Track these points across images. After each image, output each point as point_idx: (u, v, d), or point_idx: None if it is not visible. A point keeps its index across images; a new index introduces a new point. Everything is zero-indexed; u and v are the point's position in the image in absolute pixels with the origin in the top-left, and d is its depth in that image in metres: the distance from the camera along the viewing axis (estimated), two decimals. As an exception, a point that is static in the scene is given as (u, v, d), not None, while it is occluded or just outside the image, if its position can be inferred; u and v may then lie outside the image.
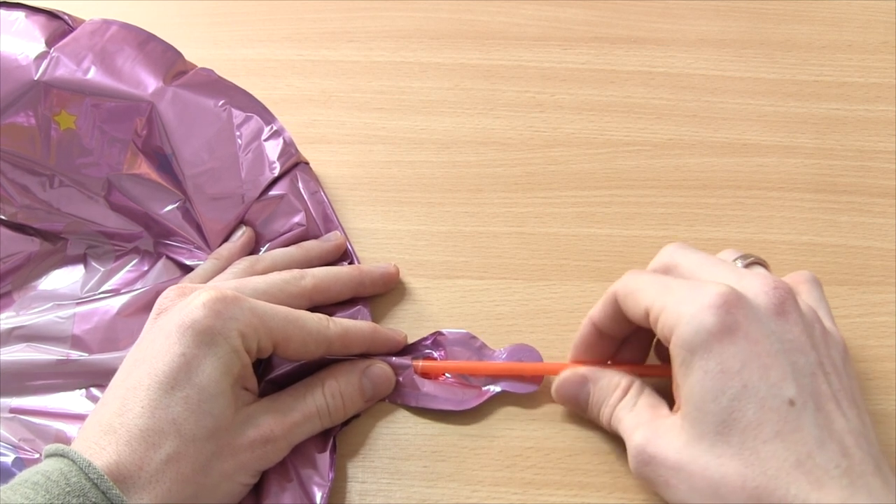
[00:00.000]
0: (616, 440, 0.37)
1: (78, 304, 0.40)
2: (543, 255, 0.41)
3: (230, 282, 0.36)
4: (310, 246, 0.40)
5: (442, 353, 0.38)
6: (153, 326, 0.34)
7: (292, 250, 0.40)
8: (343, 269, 0.39)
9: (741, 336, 0.29)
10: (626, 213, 0.43)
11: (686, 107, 0.46)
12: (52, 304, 0.41)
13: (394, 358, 0.38)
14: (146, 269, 0.42)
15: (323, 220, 0.41)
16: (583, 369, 0.36)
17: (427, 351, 0.39)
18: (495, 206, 0.43)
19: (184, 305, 0.32)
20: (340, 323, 0.36)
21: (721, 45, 0.48)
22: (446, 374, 0.38)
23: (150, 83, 0.40)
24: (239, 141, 0.41)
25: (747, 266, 0.33)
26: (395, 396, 0.37)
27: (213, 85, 0.42)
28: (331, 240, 0.41)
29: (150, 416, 0.30)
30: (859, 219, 0.43)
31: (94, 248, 0.42)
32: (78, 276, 0.41)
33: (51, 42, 0.41)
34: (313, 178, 0.42)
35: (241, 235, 0.40)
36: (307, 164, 0.42)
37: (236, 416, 0.32)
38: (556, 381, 0.36)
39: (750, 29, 0.49)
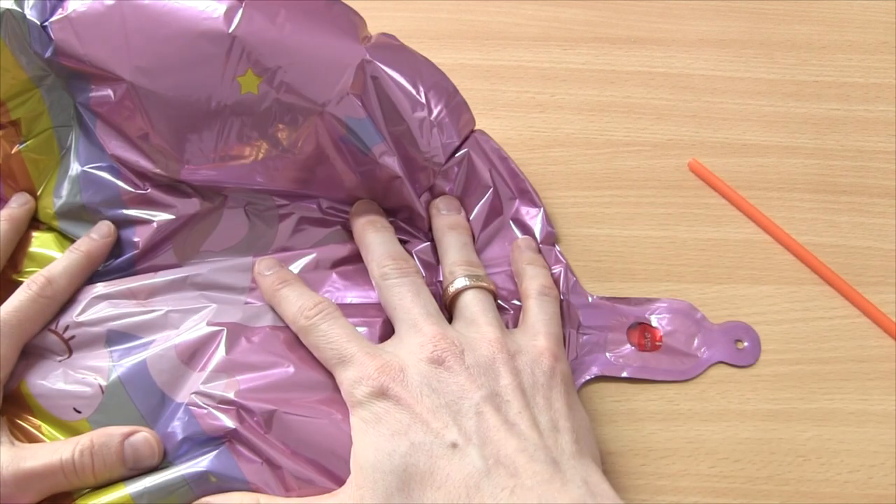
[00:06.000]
0: (616, 440, 0.37)
1: (254, 256, 0.39)
2: (543, 256, 0.41)
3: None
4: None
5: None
6: None
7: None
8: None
9: None
10: (626, 213, 0.43)
11: (686, 107, 0.46)
12: (225, 258, 0.39)
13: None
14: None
15: (511, 178, 0.41)
16: None
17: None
18: (495, 206, 0.43)
19: None
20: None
21: (721, 45, 0.48)
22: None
23: (353, 49, 0.37)
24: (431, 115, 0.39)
25: None
26: (608, 369, 0.38)
27: (402, 58, 0.39)
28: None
29: None
30: (859, 219, 0.43)
31: (254, 204, 0.40)
32: (242, 234, 0.40)
33: None
34: (494, 141, 0.41)
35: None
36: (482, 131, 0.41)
37: None
38: None
39: (750, 29, 0.49)
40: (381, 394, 0.32)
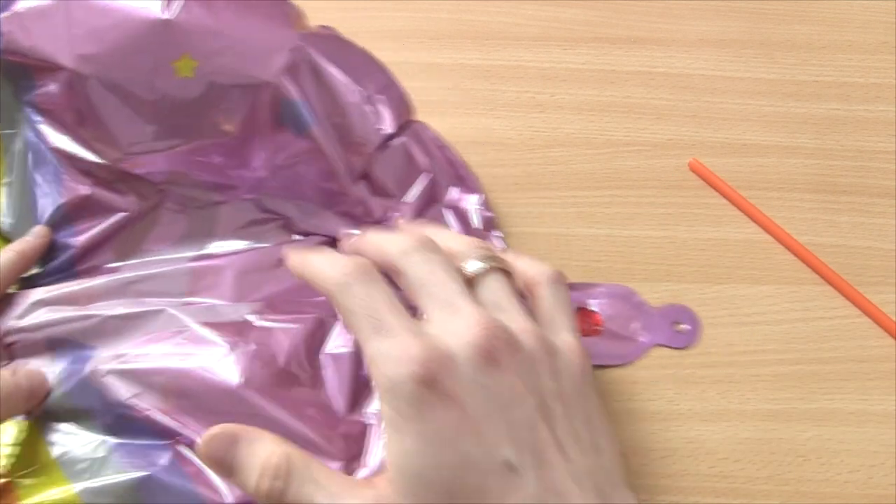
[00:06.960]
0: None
1: (191, 261, 0.39)
2: (543, 256, 0.41)
3: None
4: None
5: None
6: None
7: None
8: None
9: None
10: (626, 213, 0.43)
11: (686, 107, 0.46)
12: (162, 260, 0.39)
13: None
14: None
15: (449, 166, 0.41)
16: None
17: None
18: (495, 206, 0.43)
19: None
20: None
21: (721, 45, 0.48)
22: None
23: (287, 35, 0.38)
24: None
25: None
26: None
27: (337, 47, 0.40)
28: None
29: None
30: (859, 219, 0.43)
31: (193, 200, 0.40)
32: (182, 231, 0.40)
33: None
34: (433, 131, 0.41)
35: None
36: (423, 123, 0.42)
37: None
38: None
39: (750, 29, 0.49)
40: (428, 384, 0.26)
